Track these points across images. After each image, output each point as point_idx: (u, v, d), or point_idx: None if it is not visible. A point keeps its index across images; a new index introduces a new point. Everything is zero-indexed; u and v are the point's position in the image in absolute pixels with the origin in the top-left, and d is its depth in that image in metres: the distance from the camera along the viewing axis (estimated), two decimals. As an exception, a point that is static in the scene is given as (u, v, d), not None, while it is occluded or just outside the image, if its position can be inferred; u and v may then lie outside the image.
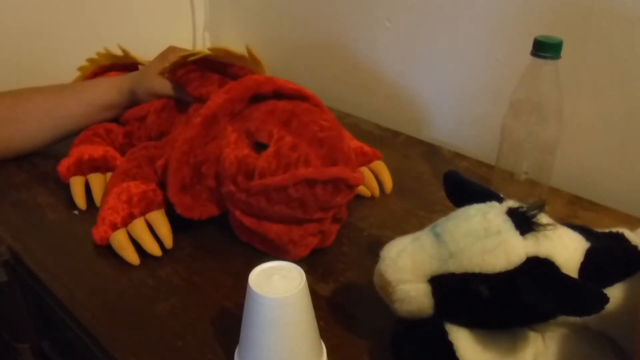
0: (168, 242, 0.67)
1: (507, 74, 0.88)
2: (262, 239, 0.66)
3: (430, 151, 0.96)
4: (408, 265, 0.47)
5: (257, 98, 0.68)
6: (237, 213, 0.65)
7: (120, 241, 0.66)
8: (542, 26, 0.82)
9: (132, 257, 0.65)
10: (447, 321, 0.48)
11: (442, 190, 0.82)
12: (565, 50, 0.68)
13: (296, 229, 0.64)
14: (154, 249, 0.66)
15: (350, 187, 0.61)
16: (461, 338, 0.47)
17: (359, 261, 0.67)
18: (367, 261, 0.67)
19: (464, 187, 0.53)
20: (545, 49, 0.68)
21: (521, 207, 0.47)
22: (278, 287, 0.46)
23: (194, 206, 0.67)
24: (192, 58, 0.75)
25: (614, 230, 0.52)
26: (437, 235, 0.48)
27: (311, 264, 0.65)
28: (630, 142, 0.79)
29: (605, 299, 0.40)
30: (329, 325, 0.57)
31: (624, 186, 0.81)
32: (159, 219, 0.68)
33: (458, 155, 0.94)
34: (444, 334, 0.48)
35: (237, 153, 0.64)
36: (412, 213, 0.77)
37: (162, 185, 0.70)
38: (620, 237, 0.51)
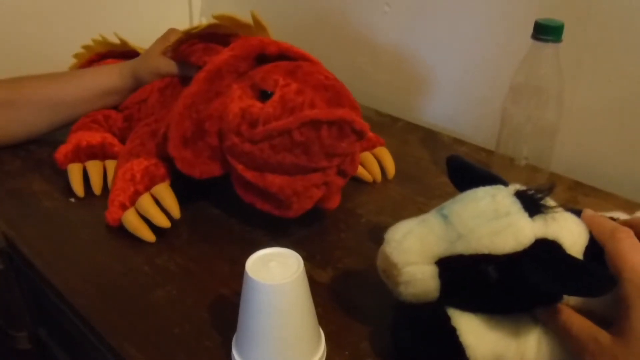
0: (175, 212, 0.66)
1: (507, 58, 0.87)
2: (265, 197, 0.65)
3: (430, 137, 0.95)
4: (415, 247, 0.47)
5: (262, 60, 0.68)
6: (240, 167, 0.64)
7: (132, 221, 0.65)
8: (542, 9, 0.81)
9: (147, 235, 0.65)
10: (452, 305, 0.48)
11: (441, 175, 0.83)
12: (566, 34, 0.68)
13: (300, 180, 0.62)
14: (162, 221, 0.65)
15: (356, 132, 0.59)
16: (463, 323, 0.47)
17: (357, 247, 0.67)
18: (365, 247, 0.67)
19: (468, 171, 0.52)
20: (546, 32, 0.67)
21: (529, 189, 0.47)
22: (275, 274, 0.45)
23: (195, 163, 0.66)
24: (196, 30, 0.74)
25: (608, 215, 0.52)
26: (444, 217, 0.47)
27: (309, 250, 0.65)
28: (631, 126, 0.78)
29: (614, 281, 0.40)
30: (327, 311, 0.57)
31: (624, 171, 0.80)
32: (164, 191, 0.67)
33: (457, 141, 0.94)
34: (447, 319, 0.47)
35: (241, 105, 0.63)
36: (411, 199, 0.76)
37: (165, 159, 0.69)
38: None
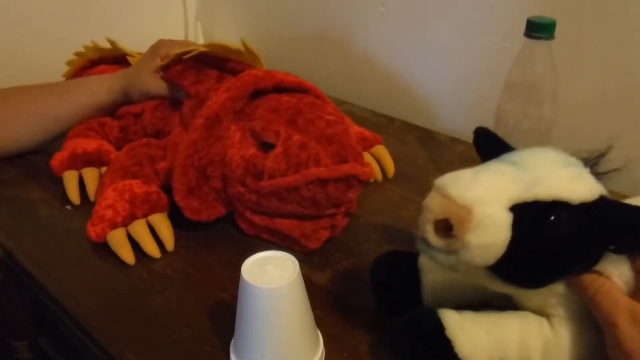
0: (170, 244, 0.66)
1: (501, 56, 0.87)
2: (271, 232, 0.66)
3: (426, 136, 0.95)
4: (491, 185, 0.41)
5: (257, 92, 0.68)
6: (247, 213, 0.66)
7: (118, 239, 0.65)
8: (535, 7, 0.80)
9: (129, 256, 0.64)
10: (508, 269, 0.42)
11: (439, 174, 0.82)
12: (559, 31, 0.67)
13: (309, 224, 0.64)
14: (154, 250, 0.65)
15: (362, 182, 0.61)
16: (460, 333, 0.46)
17: (356, 249, 0.67)
18: (364, 249, 0.67)
19: (498, 143, 0.51)
20: (539, 29, 0.67)
21: (581, 154, 0.46)
22: (271, 277, 0.45)
23: (202, 209, 0.66)
24: (187, 56, 0.74)
25: None
26: (513, 163, 0.44)
27: (307, 252, 0.65)
28: (626, 121, 0.78)
29: None
30: (325, 314, 0.57)
31: (620, 167, 0.80)
32: (162, 222, 0.67)
33: (454, 140, 0.93)
34: (441, 329, 0.46)
35: (243, 153, 0.63)
36: (409, 199, 0.76)
37: (165, 188, 0.69)
38: None
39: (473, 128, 0.94)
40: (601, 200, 0.43)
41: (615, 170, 0.46)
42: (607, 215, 0.42)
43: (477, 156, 0.86)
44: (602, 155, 0.46)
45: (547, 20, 0.67)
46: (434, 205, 0.42)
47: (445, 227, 0.41)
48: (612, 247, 0.43)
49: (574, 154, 0.47)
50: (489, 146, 0.51)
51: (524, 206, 0.41)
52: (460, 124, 0.97)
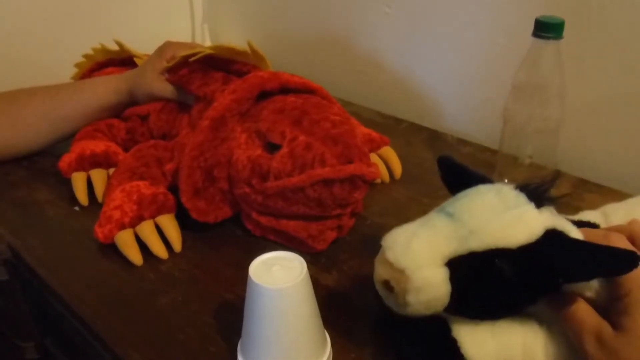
0: (177, 245, 0.66)
1: (508, 57, 0.86)
2: (277, 233, 0.66)
3: (434, 137, 0.95)
4: (423, 249, 0.44)
5: (263, 94, 0.68)
6: (253, 214, 0.65)
7: (125, 240, 0.65)
8: (543, 7, 0.80)
9: (137, 257, 0.64)
10: (460, 313, 0.46)
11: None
12: (567, 31, 0.67)
13: (315, 225, 0.64)
14: (161, 251, 0.65)
15: (367, 182, 0.61)
16: (464, 334, 0.46)
17: (362, 250, 0.66)
18: (370, 250, 0.66)
19: (461, 172, 0.52)
20: (547, 29, 0.67)
21: (531, 183, 0.46)
22: (279, 278, 0.45)
23: (209, 210, 0.66)
24: (194, 58, 0.74)
25: (584, 220, 0.52)
26: (449, 215, 0.45)
27: (314, 253, 0.65)
28: (634, 122, 0.78)
29: (637, 258, 0.40)
30: (333, 314, 0.56)
31: (628, 167, 0.80)
32: (169, 223, 0.67)
33: (461, 141, 0.93)
34: (447, 330, 0.46)
35: (249, 154, 0.63)
36: (416, 200, 0.76)
37: (172, 189, 0.69)
38: (593, 226, 0.51)
39: (480, 129, 0.94)
40: (545, 236, 0.43)
41: (567, 195, 0.48)
42: (550, 252, 0.43)
43: (485, 158, 0.86)
44: (552, 181, 0.47)
45: (556, 20, 0.67)
46: (378, 267, 0.47)
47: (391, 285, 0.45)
48: (560, 280, 0.43)
49: (527, 179, 0.47)
50: (454, 176, 0.52)
51: (460, 259, 0.44)
52: (467, 125, 0.97)
